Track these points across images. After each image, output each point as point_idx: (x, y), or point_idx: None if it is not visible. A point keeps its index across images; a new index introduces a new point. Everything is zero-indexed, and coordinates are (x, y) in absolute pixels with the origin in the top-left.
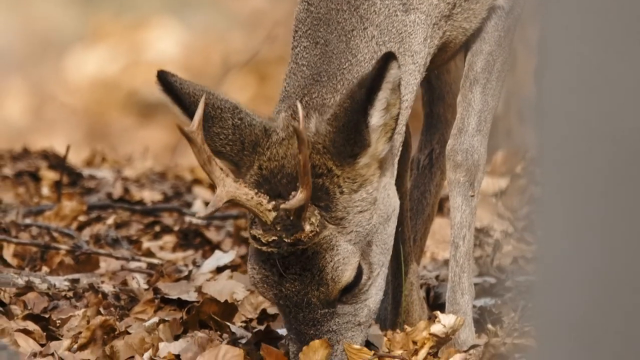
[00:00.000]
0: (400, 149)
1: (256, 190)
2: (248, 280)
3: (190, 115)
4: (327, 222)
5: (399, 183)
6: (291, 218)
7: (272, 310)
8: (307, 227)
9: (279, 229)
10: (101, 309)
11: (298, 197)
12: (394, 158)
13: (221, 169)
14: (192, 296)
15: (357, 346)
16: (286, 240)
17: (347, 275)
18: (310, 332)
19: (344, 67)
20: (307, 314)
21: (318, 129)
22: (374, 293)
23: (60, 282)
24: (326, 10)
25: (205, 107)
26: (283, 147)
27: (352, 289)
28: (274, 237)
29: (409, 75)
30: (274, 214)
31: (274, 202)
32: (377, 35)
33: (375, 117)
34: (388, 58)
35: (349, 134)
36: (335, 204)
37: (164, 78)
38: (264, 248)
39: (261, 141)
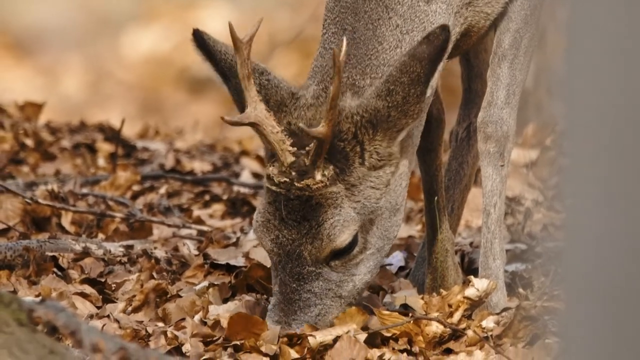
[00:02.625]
0: (418, 143)
1: (283, 129)
2: None
3: (220, 71)
4: (338, 181)
5: (432, 156)
6: (306, 163)
7: None
8: (318, 176)
9: (293, 173)
10: (154, 274)
11: (318, 129)
12: (414, 149)
13: (258, 93)
14: (239, 261)
15: (387, 311)
16: (296, 184)
17: (343, 237)
18: (292, 285)
19: (371, 53)
20: (294, 267)
21: (359, 103)
22: (363, 272)
23: (116, 248)
24: (353, 0)
25: (234, 66)
26: (312, 111)
27: (343, 256)
28: (285, 179)
29: None
30: (292, 158)
31: (295, 149)
32: (401, 24)
33: (430, 90)
34: (447, 30)
35: (409, 107)
36: (351, 170)
37: (199, 36)
38: (274, 188)
39: (287, 102)
